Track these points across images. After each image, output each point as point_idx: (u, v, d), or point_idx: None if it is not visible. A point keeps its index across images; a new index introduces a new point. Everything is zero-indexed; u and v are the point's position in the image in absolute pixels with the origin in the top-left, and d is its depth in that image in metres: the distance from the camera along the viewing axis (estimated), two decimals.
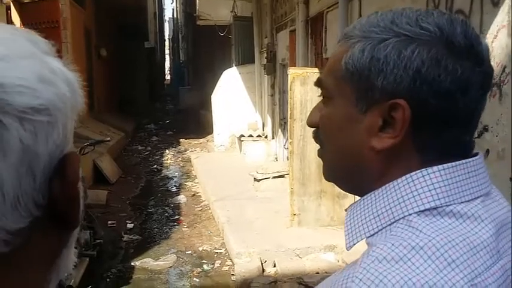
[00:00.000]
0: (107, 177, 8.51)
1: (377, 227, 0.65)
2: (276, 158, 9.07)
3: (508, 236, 0.65)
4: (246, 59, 10.93)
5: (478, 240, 0.60)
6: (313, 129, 0.78)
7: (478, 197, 0.64)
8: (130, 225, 6.40)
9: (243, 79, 10.61)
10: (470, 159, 0.66)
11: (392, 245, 0.59)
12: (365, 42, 0.67)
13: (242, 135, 9.81)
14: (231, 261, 5.05)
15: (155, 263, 5.19)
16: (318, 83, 0.75)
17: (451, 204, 0.62)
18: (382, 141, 0.66)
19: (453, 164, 0.64)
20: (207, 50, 17.49)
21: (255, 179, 7.17)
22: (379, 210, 0.65)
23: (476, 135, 3.19)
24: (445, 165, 0.64)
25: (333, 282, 0.62)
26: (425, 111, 0.64)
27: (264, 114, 10.04)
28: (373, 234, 0.65)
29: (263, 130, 10.03)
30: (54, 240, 0.49)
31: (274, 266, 4.72)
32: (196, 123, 14.86)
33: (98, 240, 5.00)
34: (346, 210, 0.73)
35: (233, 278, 4.72)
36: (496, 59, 2.88)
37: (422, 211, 0.62)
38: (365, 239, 0.66)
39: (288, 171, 5.81)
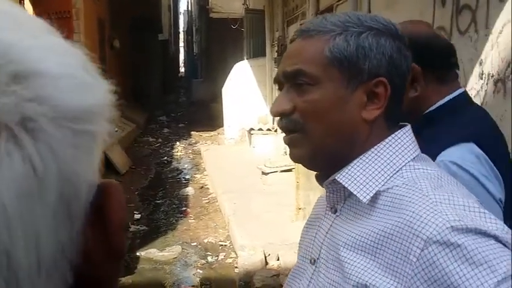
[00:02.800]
0: (116, 167, 8.58)
1: (385, 178, 0.81)
2: (285, 152, 9.05)
3: None
4: (257, 52, 10.91)
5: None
6: (279, 118, 0.86)
7: None
8: (137, 216, 6.45)
9: (254, 72, 10.59)
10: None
11: (426, 179, 0.78)
12: (346, 35, 0.81)
13: (252, 129, 9.81)
14: (235, 253, 5.07)
15: (160, 254, 5.24)
16: (294, 75, 0.83)
17: (420, 152, 0.85)
18: (371, 113, 0.82)
19: (409, 125, 0.86)
20: (219, 42, 17.50)
21: (263, 173, 7.17)
22: (382, 164, 0.82)
23: None
24: (409, 126, 0.86)
25: (399, 225, 0.75)
26: (393, 88, 0.82)
27: None
28: (384, 184, 0.80)
29: (273, 124, 10.01)
30: None
31: (278, 260, 4.73)
32: (208, 115, 14.89)
33: None
34: (327, 183, 0.85)
35: (236, 270, 4.74)
36: (501, 54, 2.84)
37: (413, 158, 0.83)
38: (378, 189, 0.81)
39: (295, 165, 5.80)
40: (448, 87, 1.34)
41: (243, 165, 8.28)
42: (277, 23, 9.73)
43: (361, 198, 0.80)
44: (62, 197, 0.28)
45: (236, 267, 4.79)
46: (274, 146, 9.23)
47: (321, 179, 0.89)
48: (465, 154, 1.21)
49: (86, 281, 0.32)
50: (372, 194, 0.80)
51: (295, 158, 0.87)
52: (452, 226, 0.69)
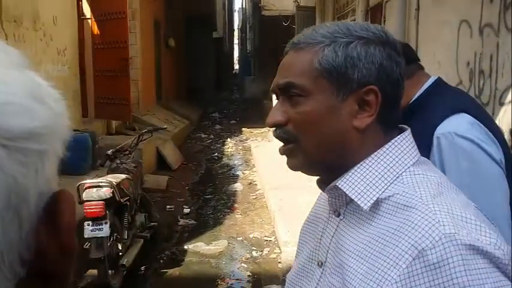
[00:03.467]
0: (168, 163, 8.83)
1: (388, 182, 0.82)
2: None
3: None
4: None
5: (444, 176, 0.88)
6: (274, 129, 0.89)
7: None
8: (187, 210, 6.64)
9: None
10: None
11: (427, 186, 0.79)
12: (334, 46, 0.82)
13: None
14: (279, 249, 5.14)
15: (207, 247, 5.37)
16: (286, 87, 0.86)
17: (420, 156, 0.86)
18: (362, 121, 0.83)
19: (409, 129, 0.87)
20: (271, 40, 17.56)
21: None
22: (382, 170, 0.83)
23: None
24: (409, 131, 0.87)
25: (388, 232, 0.78)
26: (385, 95, 0.83)
27: None
28: (384, 190, 0.81)
29: None
30: None
31: None
32: (259, 112, 14.98)
33: (153, 223, 5.23)
34: (328, 189, 0.86)
35: (279, 265, 4.80)
36: None
37: (414, 163, 0.83)
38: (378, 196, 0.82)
39: None
40: (415, 80, 1.46)
41: None
42: (327, 19, 9.68)
43: (362, 205, 0.81)
44: (10, 205, 0.34)
45: (280, 262, 4.85)
46: None
47: (321, 184, 0.90)
48: (460, 123, 1.33)
49: (41, 275, 0.37)
50: (372, 201, 0.81)
51: (292, 167, 0.89)
52: (447, 241, 0.71)
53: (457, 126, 1.31)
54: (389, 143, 0.84)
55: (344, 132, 0.83)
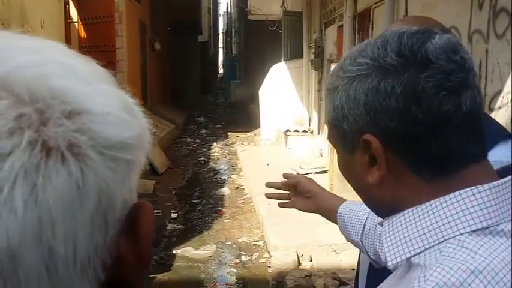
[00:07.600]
0: (155, 167, 8.78)
1: (423, 245, 0.63)
2: (321, 154, 9.06)
3: None
4: (294, 54, 10.94)
5: None
6: None
7: None
8: (174, 215, 6.61)
9: (291, 74, 10.63)
10: None
11: (451, 269, 0.58)
12: (330, 96, 0.72)
13: (288, 130, 9.86)
14: (269, 253, 5.14)
15: (195, 252, 5.35)
16: None
17: (501, 223, 0.61)
18: (373, 176, 0.68)
19: (502, 181, 0.63)
20: (258, 44, 17.62)
21: (298, 174, 7.20)
22: (425, 228, 0.64)
23: None
24: (495, 183, 0.63)
25: None
26: (394, 135, 0.65)
27: (310, 109, 10.04)
28: (419, 253, 0.63)
29: (309, 125, 10.03)
30: None
31: (311, 261, 4.77)
32: (245, 116, 15.02)
33: None
34: (380, 224, 0.74)
35: (269, 270, 4.81)
36: None
37: (474, 231, 0.61)
38: (408, 257, 0.65)
39: (330, 167, 5.82)
40: None
41: (279, 166, 8.31)
42: (314, 24, 9.75)
43: (388, 259, 0.67)
44: (99, 207, 0.35)
45: (269, 267, 4.86)
46: (309, 148, 9.25)
47: None
48: (508, 151, 1.28)
49: (117, 282, 0.39)
50: (397, 260, 0.66)
51: None
52: None
53: (507, 154, 1.28)
54: (452, 195, 0.63)
55: (365, 188, 0.71)
